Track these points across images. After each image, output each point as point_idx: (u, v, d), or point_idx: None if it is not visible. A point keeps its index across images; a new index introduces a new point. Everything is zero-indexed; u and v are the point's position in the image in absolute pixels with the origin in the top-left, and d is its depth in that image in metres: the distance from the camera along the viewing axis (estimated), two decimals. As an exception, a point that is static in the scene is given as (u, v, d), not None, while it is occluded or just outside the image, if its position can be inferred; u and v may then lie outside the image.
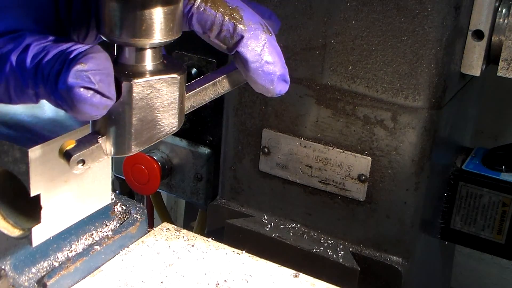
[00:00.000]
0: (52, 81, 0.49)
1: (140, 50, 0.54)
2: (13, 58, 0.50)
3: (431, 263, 1.04)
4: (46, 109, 0.68)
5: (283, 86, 0.57)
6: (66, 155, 0.52)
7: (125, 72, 0.53)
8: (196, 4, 0.55)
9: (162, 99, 0.55)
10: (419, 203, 0.84)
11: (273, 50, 0.55)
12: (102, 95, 0.49)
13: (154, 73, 0.54)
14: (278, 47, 0.56)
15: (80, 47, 0.50)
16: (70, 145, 0.53)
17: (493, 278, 1.39)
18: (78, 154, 0.52)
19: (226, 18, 0.55)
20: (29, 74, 0.50)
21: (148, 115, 0.54)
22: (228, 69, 0.59)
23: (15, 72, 0.50)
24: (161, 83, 0.54)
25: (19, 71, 0.50)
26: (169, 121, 0.56)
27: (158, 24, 0.53)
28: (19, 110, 0.66)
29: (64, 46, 0.50)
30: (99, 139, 0.54)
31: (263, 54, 0.55)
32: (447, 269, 1.20)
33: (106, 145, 0.54)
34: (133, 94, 0.53)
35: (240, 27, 0.54)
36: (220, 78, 0.58)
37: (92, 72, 0.49)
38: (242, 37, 0.54)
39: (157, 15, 0.53)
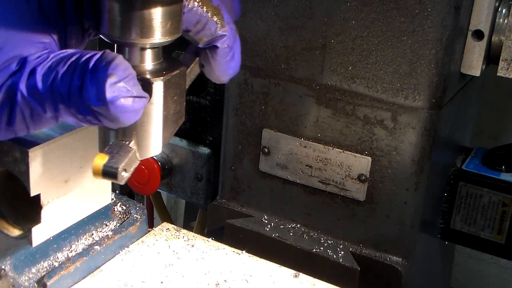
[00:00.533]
0: (76, 98, 0.48)
1: (151, 49, 0.54)
2: (22, 86, 0.49)
3: (431, 263, 1.04)
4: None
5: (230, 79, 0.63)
6: (110, 170, 0.51)
7: (144, 72, 0.54)
8: (188, 3, 0.56)
9: (177, 92, 0.56)
10: (419, 203, 0.84)
11: (239, 50, 0.60)
12: (140, 97, 0.49)
13: (167, 69, 0.56)
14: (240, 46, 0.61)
15: (92, 55, 0.49)
16: (102, 160, 0.52)
17: (493, 278, 1.39)
18: (122, 165, 0.52)
19: (211, 18, 0.57)
20: (45, 98, 0.49)
21: (170, 110, 0.56)
22: (190, 55, 0.61)
23: (28, 101, 0.49)
24: (177, 77, 0.56)
25: (32, 98, 0.49)
26: (181, 112, 0.58)
27: (167, 23, 0.53)
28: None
29: (72, 58, 0.49)
30: (131, 145, 0.54)
31: (231, 52, 0.59)
32: (447, 269, 1.20)
33: (137, 149, 0.55)
34: (163, 92, 0.54)
35: (221, 27, 0.58)
36: (192, 65, 0.61)
37: (125, 80, 0.48)
38: (221, 36, 0.58)
39: (169, 13, 0.53)
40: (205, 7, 0.57)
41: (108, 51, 0.50)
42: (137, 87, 0.50)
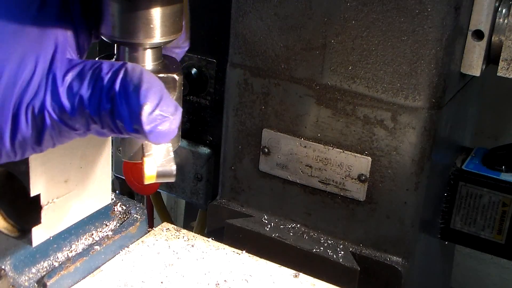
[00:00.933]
0: (108, 121, 0.47)
1: (156, 48, 0.55)
2: (49, 108, 0.48)
3: (431, 263, 1.04)
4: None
5: None
6: (166, 171, 0.53)
7: (159, 69, 0.56)
8: None
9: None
10: (419, 203, 0.84)
11: None
12: (175, 115, 0.49)
13: (172, 64, 0.57)
14: None
15: (114, 73, 0.48)
16: (149, 164, 0.53)
17: (493, 278, 1.39)
18: (173, 163, 0.53)
19: (185, 28, 0.60)
20: (75, 120, 0.48)
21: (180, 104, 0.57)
22: None
23: (58, 123, 0.48)
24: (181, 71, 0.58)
25: (62, 121, 0.48)
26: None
27: (171, 23, 0.54)
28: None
29: (94, 77, 0.48)
30: (167, 145, 0.55)
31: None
32: (447, 269, 1.20)
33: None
34: (182, 86, 0.56)
35: (185, 40, 0.61)
36: None
37: (160, 107, 0.48)
38: (181, 48, 0.61)
39: (175, 13, 0.54)
40: (184, 18, 0.58)
41: (129, 65, 0.48)
42: (171, 106, 0.48)
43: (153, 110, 0.47)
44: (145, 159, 0.53)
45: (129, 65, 0.49)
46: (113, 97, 0.47)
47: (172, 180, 0.53)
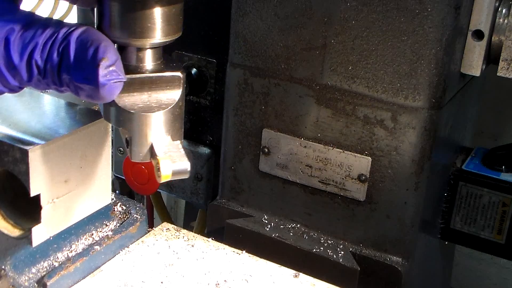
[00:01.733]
0: (55, 73, 0.48)
1: (156, 48, 0.56)
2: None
3: (431, 263, 1.04)
4: (46, 109, 0.68)
5: None
6: (181, 170, 0.54)
7: (160, 69, 0.56)
8: None
9: None
10: (419, 203, 0.84)
11: None
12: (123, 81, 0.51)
13: (171, 63, 0.58)
14: None
15: (70, 28, 0.49)
16: (163, 162, 0.54)
17: (493, 278, 1.39)
18: (187, 161, 0.54)
19: None
20: (20, 71, 0.49)
21: None
22: None
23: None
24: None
25: (7, 69, 0.49)
26: None
27: (171, 22, 0.54)
28: (19, 110, 0.66)
29: (50, 30, 0.49)
30: (175, 141, 0.55)
31: None
32: (447, 269, 1.20)
33: None
34: (184, 84, 0.56)
35: None
36: None
37: (116, 65, 0.49)
38: None
39: (175, 13, 0.54)
40: None
41: (87, 26, 0.49)
42: (123, 71, 0.50)
43: (110, 65, 0.49)
44: (159, 159, 0.53)
45: (87, 26, 0.50)
46: (65, 48, 0.48)
47: (186, 176, 0.53)
